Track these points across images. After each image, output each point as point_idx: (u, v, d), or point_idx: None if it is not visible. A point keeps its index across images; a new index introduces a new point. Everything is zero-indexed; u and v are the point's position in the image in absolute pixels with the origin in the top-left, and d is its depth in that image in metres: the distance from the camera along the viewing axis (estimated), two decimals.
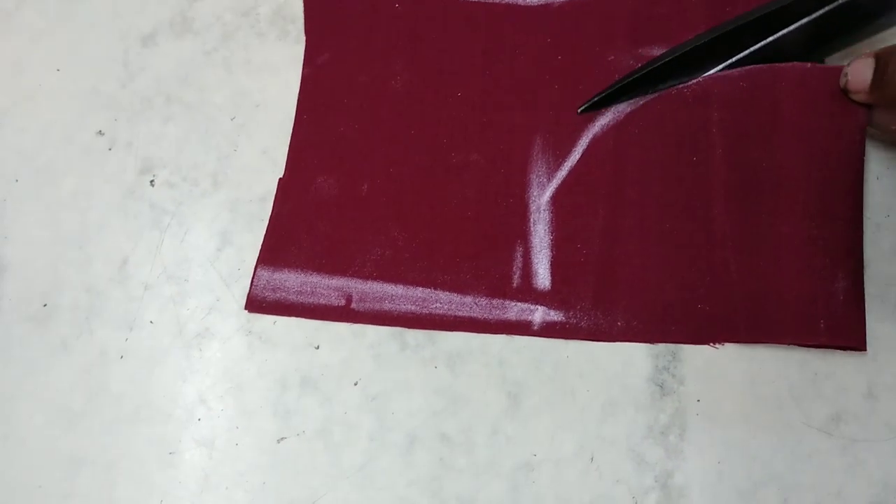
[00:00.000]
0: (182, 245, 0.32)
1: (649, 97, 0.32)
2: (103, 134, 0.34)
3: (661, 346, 0.29)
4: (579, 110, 0.32)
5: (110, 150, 0.33)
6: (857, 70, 0.28)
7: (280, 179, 0.32)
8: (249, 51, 0.35)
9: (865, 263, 0.30)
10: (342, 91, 0.34)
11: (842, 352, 0.29)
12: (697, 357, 0.29)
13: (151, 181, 0.33)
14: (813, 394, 0.29)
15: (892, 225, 0.31)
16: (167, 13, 0.36)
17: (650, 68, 0.31)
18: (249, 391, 0.29)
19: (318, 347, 0.30)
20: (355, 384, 0.29)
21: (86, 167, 0.33)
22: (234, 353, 0.30)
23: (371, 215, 0.32)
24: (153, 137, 0.33)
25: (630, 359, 0.29)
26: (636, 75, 0.31)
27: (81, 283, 0.31)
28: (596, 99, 0.32)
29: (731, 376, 0.29)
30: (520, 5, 0.35)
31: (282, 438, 0.29)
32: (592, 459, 0.28)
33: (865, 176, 0.31)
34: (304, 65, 0.34)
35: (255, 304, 0.30)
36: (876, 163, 0.32)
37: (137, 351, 0.30)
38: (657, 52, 0.33)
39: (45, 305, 0.31)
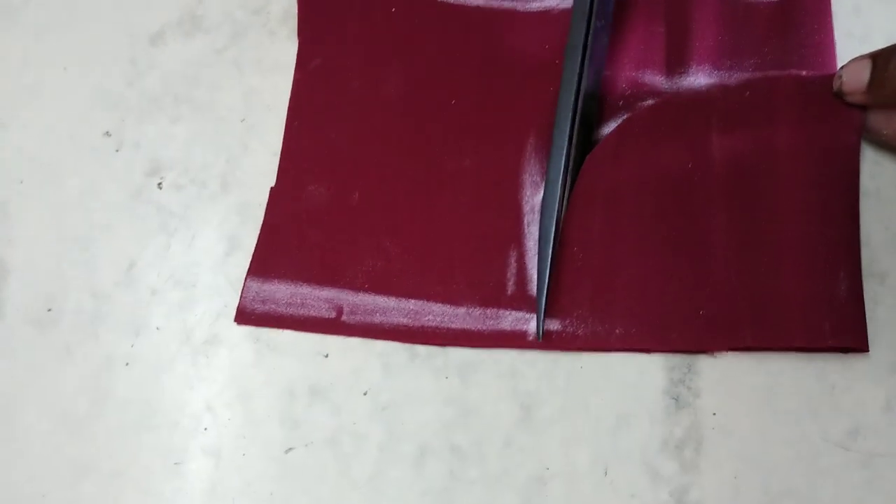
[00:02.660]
0: (190, 249, 0.31)
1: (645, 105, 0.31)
2: (110, 135, 0.33)
3: (677, 359, 0.29)
4: (539, 339, 0.29)
5: (117, 151, 0.33)
6: (853, 71, 0.29)
7: (272, 188, 0.32)
8: (260, 50, 0.34)
9: (883, 275, 0.29)
10: (334, 96, 0.33)
11: (861, 366, 0.28)
12: (713, 370, 0.29)
13: (159, 183, 0.32)
14: (830, 407, 0.28)
15: None
16: (176, 11, 0.35)
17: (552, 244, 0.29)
18: (257, 400, 0.29)
19: (327, 356, 0.29)
20: (365, 394, 0.29)
21: (92, 168, 0.32)
22: (241, 361, 0.29)
23: (362, 225, 0.31)
24: (161, 138, 0.33)
25: (645, 371, 0.29)
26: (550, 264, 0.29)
27: (87, 288, 0.30)
28: (542, 321, 0.28)
29: (747, 390, 0.28)
30: (519, 11, 0.34)
31: (290, 449, 0.28)
32: (606, 473, 0.27)
33: (880, 185, 0.31)
34: (295, 69, 0.34)
35: (245, 316, 0.30)
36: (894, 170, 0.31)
37: (144, 357, 0.29)
38: (652, 77, 0.32)
39: (49, 310, 0.30)
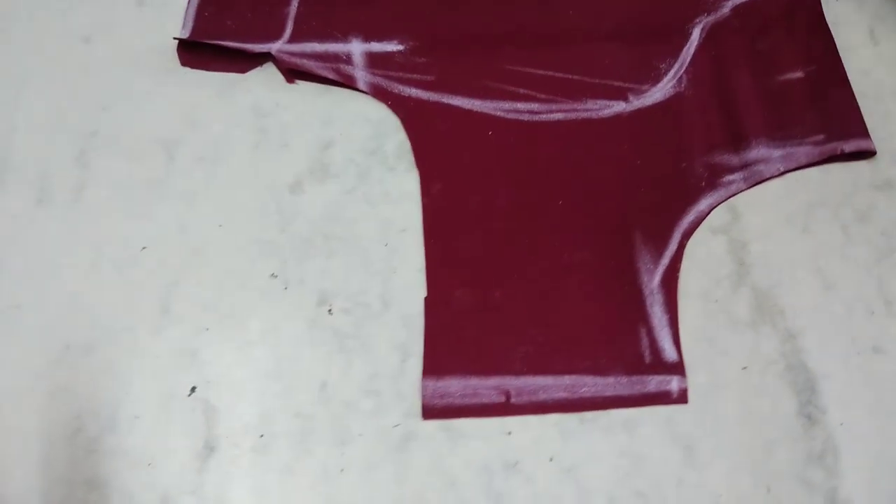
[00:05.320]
0: (369, 362, 0.36)
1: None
2: (276, 276, 0.38)
3: (800, 384, 0.34)
4: None
5: (286, 289, 0.38)
6: None
7: (425, 298, 0.37)
8: (384, 184, 0.41)
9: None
10: (458, 213, 0.39)
11: None
12: (832, 388, 0.34)
13: (329, 310, 0.37)
14: None
15: None
16: (305, 163, 0.41)
17: None
18: (461, 481, 0.33)
19: (510, 433, 0.34)
20: (550, 460, 0.34)
21: (267, 307, 0.38)
22: (438, 451, 0.34)
23: (508, 318, 0.36)
24: (321, 272, 0.38)
25: (776, 400, 0.34)
26: None
27: (290, 411, 0.35)
28: None
29: (863, 401, 0.34)
30: (594, 119, 0.41)
31: None
32: (769, 490, 0.33)
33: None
34: (422, 195, 0.40)
35: (429, 411, 0.35)
36: None
37: (354, 463, 0.34)
38: (725, 158, 0.39)
39: (261, 436, 0.35)
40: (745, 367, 0.35)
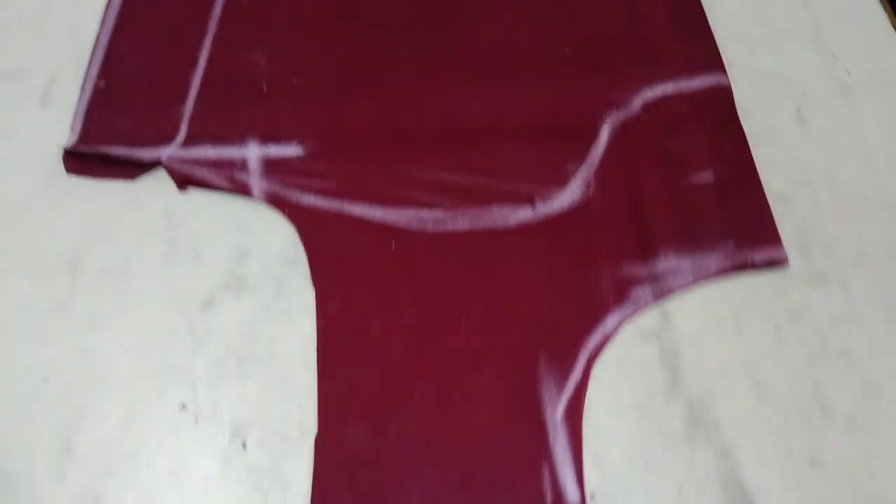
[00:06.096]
0: (286, 502, 0.34)
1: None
2: (186, 407, 0.36)
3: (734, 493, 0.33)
4: None
5: (197, 422, 0.35)
6: None
7: (315, 437, 0.34)
8: (305, 297, 0.38)
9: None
10: (355, 338, 0.36)
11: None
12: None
13: (243, 444, 0.35)
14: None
15: None
16: (220, 276, 0.39)
17: None
18: None
19: None
20: None
21: (176, 445, 0.35)
22: None
23: (404, 458, 0.33)
24: (235, 399, 0.36)
25: None
26: None
27: None
28: None
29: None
30: (499, 229, 0.39)
31: None
32: None
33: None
34: (317, 317, 0.37)
35: None
36: None
37: None
38: (634, 269, 0.37)
39: None
40: (680, 489, 0.33)
